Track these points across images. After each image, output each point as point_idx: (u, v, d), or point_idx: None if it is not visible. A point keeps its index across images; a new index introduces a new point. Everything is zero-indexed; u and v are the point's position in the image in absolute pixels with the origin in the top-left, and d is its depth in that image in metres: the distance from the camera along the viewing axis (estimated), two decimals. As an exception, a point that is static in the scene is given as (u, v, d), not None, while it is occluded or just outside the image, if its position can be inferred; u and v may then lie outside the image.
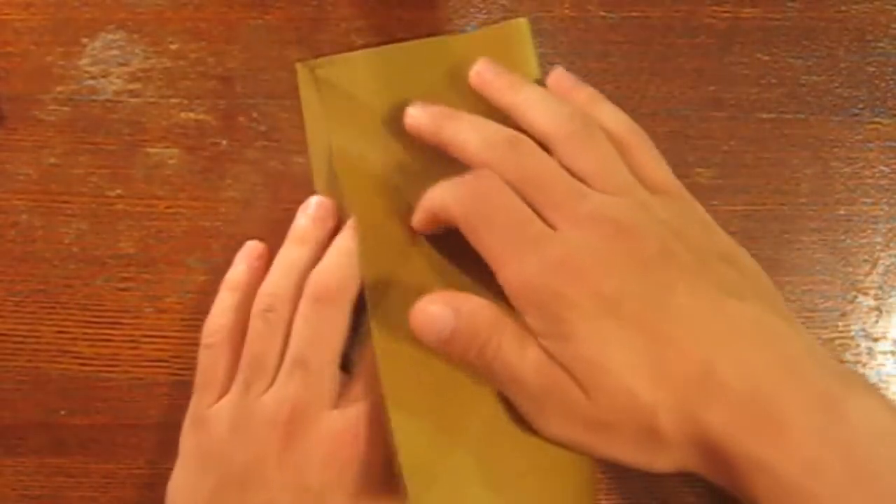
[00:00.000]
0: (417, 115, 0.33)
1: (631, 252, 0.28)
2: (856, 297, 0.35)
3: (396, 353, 0.31)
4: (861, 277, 0.35)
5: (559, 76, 0.35)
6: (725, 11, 0.37)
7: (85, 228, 0.35)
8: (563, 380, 0.28)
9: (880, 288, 0.35)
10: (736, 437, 0.26)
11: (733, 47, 0.36)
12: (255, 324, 0.33)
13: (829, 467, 0.26)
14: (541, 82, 0.35)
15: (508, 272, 0.28)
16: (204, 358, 0.33)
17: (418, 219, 0.32)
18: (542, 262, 0.28)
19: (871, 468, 0.26)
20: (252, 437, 0.31)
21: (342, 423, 0.31)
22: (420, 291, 0.30)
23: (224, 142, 0.36)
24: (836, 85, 0.36)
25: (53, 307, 0.35)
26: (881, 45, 0.36)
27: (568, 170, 0.30)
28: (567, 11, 0.37)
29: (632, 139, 0.33)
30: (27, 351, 0.34)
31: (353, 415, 0.31)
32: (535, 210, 0.29)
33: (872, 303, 0.35)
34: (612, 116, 0.33)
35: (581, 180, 0.30)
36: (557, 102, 0.32)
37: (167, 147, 0.36)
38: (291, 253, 0.34)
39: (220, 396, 0.32)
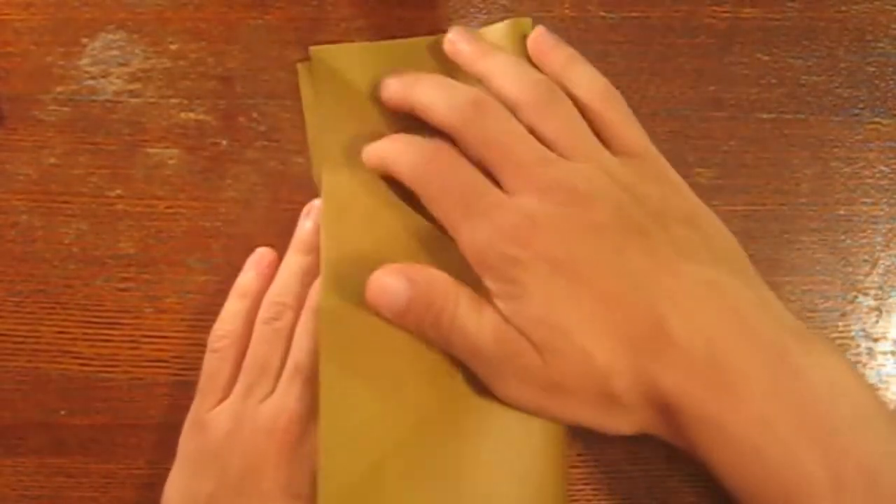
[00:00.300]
0: (390, 83, 0.33)
1: (585, 218, 0.29)
2: (856, 297, 0.35)
3: (341, 347, 0.31)
4: (861, 277, 0.35)
5: (539, 36, 0.34)
6: (725, 11, 0.37)
7: (85, 228, 0.35)
8: (520, 343, 0.28)
9: (880, 288, 0.35)
10: (688, 395, 0.27)
11: (733, 47, 0.36)
12: (260, 330, 0.33)
13: (780, 424, 0.26)
14: None
15: (463, 238, 0.29)
16: (209, 362, 0.33)
17: (370, 160, 0.32)
18: (495, 228, 0.29)
19: (824, 424, 0.26)
20: (249, 444, 0.31)
21: None
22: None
23: (224, 142, 0.36)
24: (836, 85, 0.36)
25: (53, 307, 0.35)
26: (881, 45, 0.36)
27: (533, 136, 0.31)
28: (567, 11, 0.37)
29: (605, 102, 0.33)
30: (27, 351, 0.34)
31: None
32: (495, 174, 0.30)
33: (872, 303, 0.35)
34: (587, 78, 0.33)
35: (546, 146, 0.30)
36: (525, 69, 0.32)
37: (167, 147, 0.36)
38: (297, 261, 0.34)
39: (221, 401, 0.32)
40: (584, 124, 0.32)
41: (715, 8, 0.37)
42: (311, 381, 0.31)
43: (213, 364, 0.33)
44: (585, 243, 0.28)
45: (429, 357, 0.31)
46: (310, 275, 0.33)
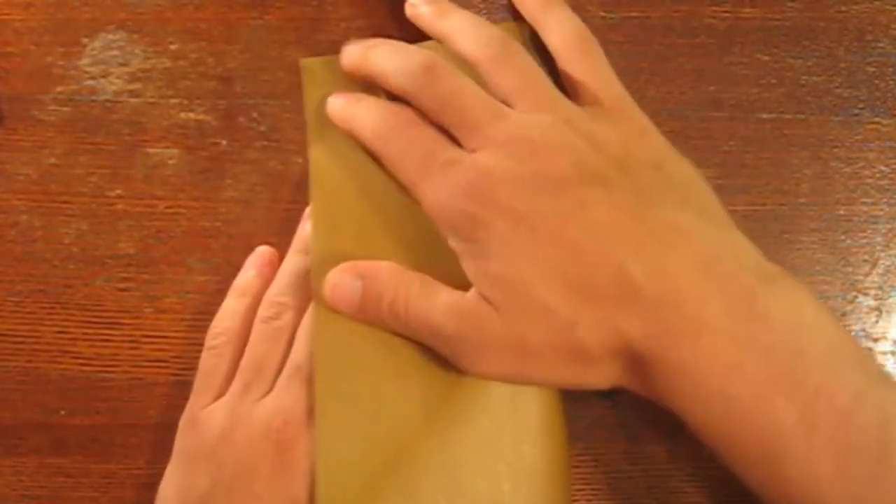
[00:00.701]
0: (350, 50, 0.33)
1: (544, 171, 0.28)
2: (856, 297, 0.35)
3: (334, 349, 0.31)
4: (861, 277, 0.35)
5: None
6: (725, 11, 0.37)
7: (85, 228, 0.35)
8: (480, 311, 0.28)
9: (880, 288, 0.35)
10: (655, 344, 0.26)
11: (733, 47, 0.36)
12: (259, 329, 0.33)
13: (748, 369, 0.26)
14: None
15: (425, 199, 0.29)
16: (206, 360, 0.33)
17: (335, 119, 0.33)
18: (451, 185, 0.29)
19: (793, 366, 0.26)
20: (244, 444, 0.31)
21: None
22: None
23: (224, 142, 0.36)
24: (836, 85, 0.36)
25: (53, 307, 0.35)
26: (881, 45, 0.36)
27: (492, 92, 0.31)
28: (567, 11, 0.37)
29: (576, 47, 0.33)
30: (27, 351, 0.34)
31: None
32: (454, 135, 0.30)
33: (872, 303, 0.35)
34: (562, 24, 0.33)
35: (505, 102, 0.30)
36: (480, 27, 0.32)
37: (167, 147, 0.36)
38: (298, 262, 0.34)
39: (217, 398, 0.32)
40: (541, 75, 0.31)
41: (715, 8, 0.37)
42: (310, 382, 0.31)
43: (210, 361, 0.33)
44: (544, 196, 0.28)
45: (421, 350, 0.31)
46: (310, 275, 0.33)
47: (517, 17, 0.36)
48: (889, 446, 0.25)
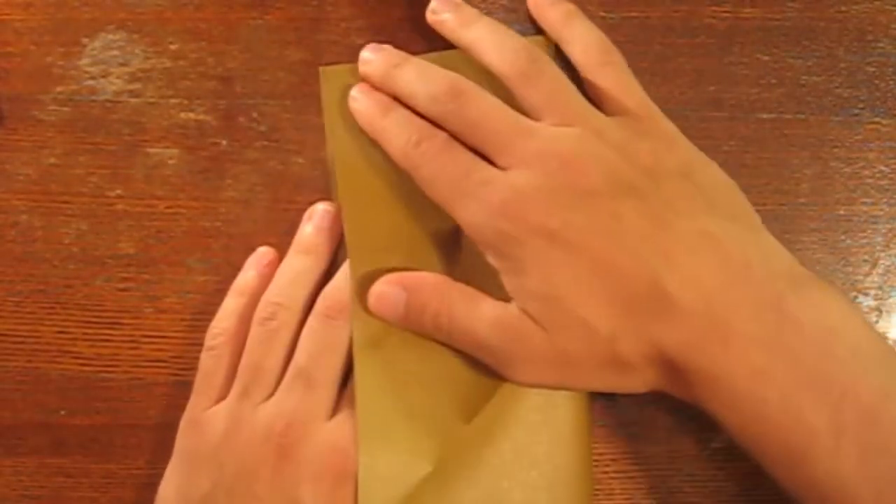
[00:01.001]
0: (370, 60, 0.33)
1: (575, 184, 0.29)
2: (856, 297, 0.35)
3: (373, 362, 0.31)
4: (861, 277, 0.35)
5: None
6: (725, 11, 0.37)
7: (85, 228, 0.35)
8: (521, 325, 0.29)
9: (880, 288, 0.35)
10: (689, 352, 0.27)
11: (733, 47, 0.36)
12: (255, 331, 0.33)
13: (777, 373, 0.26)
14: None
15: (461, 219, 0.30)
16: (205, 361, 0.33)
17: (357, 114, 0.33)
18: (485, 205, 0.29)
19: (820, 369, 0.26)
20: (245, 447, 0.31)
21: (337, 435, 0.31)
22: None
23: (224, 142, 0.36)
24: (836, 85, 0.36)
25: (53, 307, 0.35)
26: (881, 45, 0.36)
27: (520, 106, 0.31)
28: (567, 11, 0.37)
29: (599, 58, 0.33)
30: (27, 351, 0.34)
31: (348, 426, 0.31)
32: (487, 155, 0.30)
33: (872, 303, 0.35)
34: (583, 36, 0.34)
35: (534, 115, 0.31)
36: (505, 39, 0.32)
37: (167, 147, 0.36)
38: (296, 262, 0.34)
39: (218, 401, 0.32)
40: (570, 87, 0.32)
41: (715, 8, 0.37)
42: (312, 385, 0.31)
43: (209, 362, 0.33)
44: (578, 210, 0.29)
45: (456, 362, 0.31)
46: (308, 276, 0.33)
47: (535, 28, 0.36)
48: None
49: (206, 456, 0.31)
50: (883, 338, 0.30)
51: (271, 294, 0.33)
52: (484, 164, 0.30)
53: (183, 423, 0.32)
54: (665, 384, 0.29)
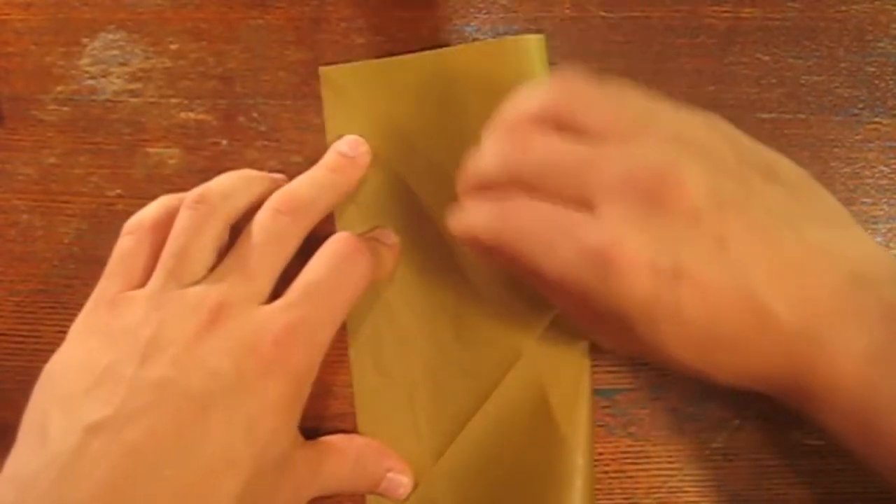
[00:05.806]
0: (483, 225, 0.28)
1: (675, 206, 0.25)
2: (856, 297, 0.35)
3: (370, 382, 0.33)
4: (861, 277, 0.35)
5: None
6: (725, 11, 0.37)
7: (85, 228, 0.35)
8: None
9: (880, 288, 0.35)
10: (797, 372, 0.26)
11: (733, 47, 0.36)
12: (183, 215, 0.31)
13: (885, 386, 0.25)
14: None
15: (551, 276, 0.26)
16: (121, 245, 0.31)
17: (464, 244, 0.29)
18: (579, 252, 0.25)
19: None
20: (169, 318, 0.28)
21: (273, 320, 0.29)
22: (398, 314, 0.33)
23: (224, 142, 0.36)
24: (836, 85, 0.36)
25: (53, 307, 0.35)
26: (881, 45, 0.36)
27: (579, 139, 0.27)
28: (567, 11, 0.37)
29: None
30: (27, 351, 0.34)
31: (284, 318, 0.29)
32: (573, 198, 0.26)
33: (872, 303, 0.34)
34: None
35: (599, 140, 0.27)
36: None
37: (167, 147, 0.36)
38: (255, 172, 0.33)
39: (138, 286, 0.30)
40: (614, 95, 0.28)
41: (715, 8, 0.37)
42: (249, 274, 0.29)
43: (126, 246, 0.31)
44: (685, 240, 0.25)
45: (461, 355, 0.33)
46: (261, 179, 0.33)
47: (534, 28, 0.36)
48: None
49: (119, 331, 0.29)
50: None
51: (209, 184, 0.32)
52: (564, 209, 0.26)
53: (91, 305, 0.30)
54: (781, 399, 0.28)
